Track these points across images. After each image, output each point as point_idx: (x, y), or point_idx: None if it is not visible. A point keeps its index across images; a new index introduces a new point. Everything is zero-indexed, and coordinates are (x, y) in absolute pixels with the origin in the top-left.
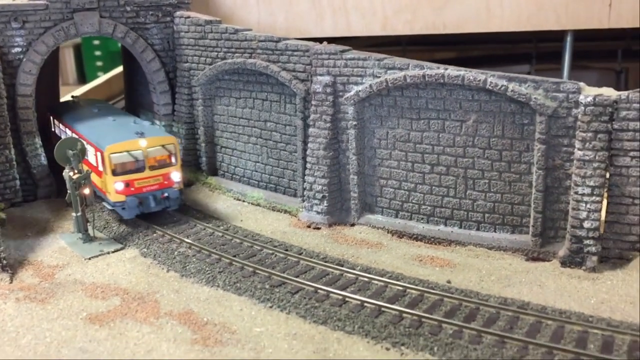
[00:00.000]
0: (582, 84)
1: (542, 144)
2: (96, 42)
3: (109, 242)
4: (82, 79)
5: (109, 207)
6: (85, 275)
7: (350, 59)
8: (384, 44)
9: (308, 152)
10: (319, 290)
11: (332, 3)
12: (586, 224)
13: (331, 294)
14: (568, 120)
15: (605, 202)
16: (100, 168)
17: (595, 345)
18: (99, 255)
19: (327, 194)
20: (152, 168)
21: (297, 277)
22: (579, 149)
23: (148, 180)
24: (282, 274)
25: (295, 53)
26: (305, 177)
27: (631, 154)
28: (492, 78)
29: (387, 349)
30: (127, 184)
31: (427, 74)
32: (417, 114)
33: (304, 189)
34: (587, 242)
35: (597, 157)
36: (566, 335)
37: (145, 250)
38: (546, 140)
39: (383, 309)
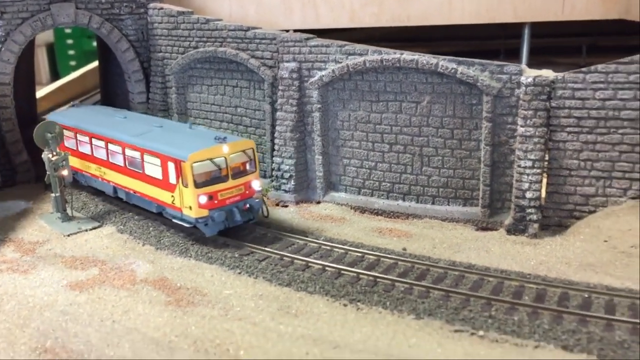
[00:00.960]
0: (523, 66)
1: (489, 122)
2: (69, 40)
3: (86, 221)
4: (56, 78)
5: (185, 225)
6: (65, 250)
7: (314, 46)
8: (358, 40)
9: (276, 134)
10: (284, 257)
11: None
12: (528, 195)
13: (295, 260)
14: (511, 100)
15: (545, 174)
16: (172, 181)
17: (529, 296)
18: (78, 232)
19: (294, 174)
20: (235, 177)
21: (264, 247)
22: (521, 126)
23: (231, 190)
24: (250, 244)
25: (263, 41)
26: (274, 159)
27: (567, 129)
28: (443, 62)
29: (345, 305)
30: (211, 197)
31: (385, 59)
32: (377, 97)
33: (273, 169)
34: (529, 211)
35: (537, 133)
36: (504, 289)
37: (122, 227)
38: (492, 118)
39: (342, 271)
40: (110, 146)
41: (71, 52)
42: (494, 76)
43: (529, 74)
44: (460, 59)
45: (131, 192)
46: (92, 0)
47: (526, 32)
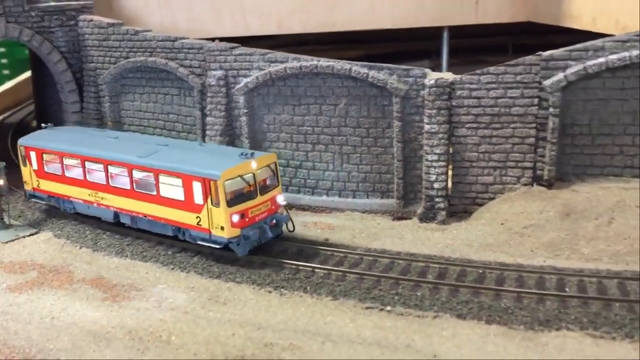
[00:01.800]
0: (427, 69)
1: (399, 121)
2: (1, 49)
3: (24, 228)
4: None
5: (215, 246)
6: (3, 256)
7: (238, 55)
8: (294, 44)
9: (207, 139)
10: (214, 252)
11: (229, 5)
12: (436, 185)
13: (224, 255)
14: (417, 100)
15: (450, 166)
16: (198, 201)
17: (432, 275)
18: (15, 239)
19: None
20: (262, 192)
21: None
22: (427, 124)
23: (260, 207)
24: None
25: (191, 51)
26: None
27: (467, 125)
28: (355, 67)
29: (270, 292)
30: (242, 215)
31: (304, 65)
32: (298, 101)
33: None
34: (437, 200)
35: (441, 130)
36: (412, 270)
37: (58, 232)
38: (402, 117)
39: (267, 262)
40: (112, 169)
41: (4, 60)
42: (401, 79)
43: (432, 77)
44: (371, 64)
45: (140, 216)
46: (22, 14)
47: (445, 35)
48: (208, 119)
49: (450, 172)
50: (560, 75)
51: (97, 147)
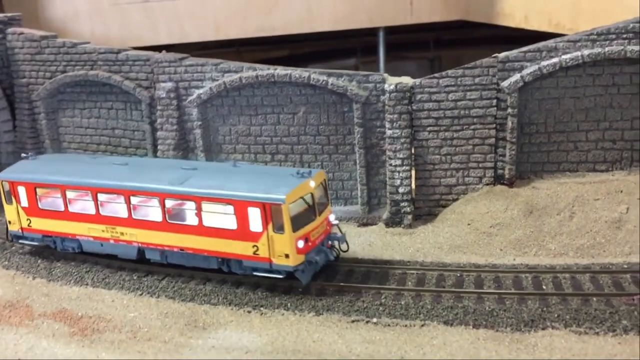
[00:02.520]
0: (386, 75)
1: (360, 127)
2: None
3: None
4: None
5: (276, 276)
6: None
7: (189, 66)
8: (218, 45)
9: (158, 153)
10: (182, 274)
11: (164, 12)
12: (401, 190)
13: (195, 275)
14: (378, 106)
15: (413, 170)
16: (255, 229)
17: (411, 282)
18: None
19: None
20: (319, 213)
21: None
22: (388, 129)
23: (318, 229)
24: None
25: (137, 62)
26: None
27: (428, 129)
28: (314, 74)
29: (249, 312)
30: (306, 239)
31: (260, 75)
32: (255, 110)
33: None
34: (402, 204)
35: (403, 134)
36: (390, 278)
37: (6, 263)
38: (363, 123)
39: (242, 280)
40: (135, 200)
41: None
42: (361, 85)
43: (391, 82)
44: (330, 71)
45: (174, 250)
46: None
47: (381, 35)
48: (159, 133)
49: (413, 176)
50: (517, 76)
51: (111, 176)
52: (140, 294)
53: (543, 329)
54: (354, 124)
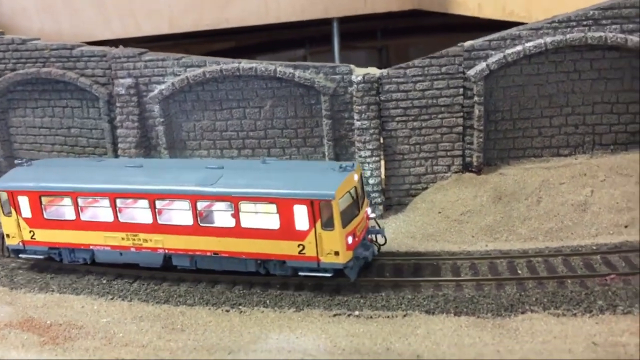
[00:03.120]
0: (352, 65)
1: (329, 119)
2: None
3: None
4: None
5: (324, 275)
6: None
7: (149, 61)
8: (161, 39)
9: (119, 152)
10: (155, 275)
11: (117, 6)
12: (371, 181)
13: (167, 276)
14: (346, 97)
15: (383, 161)
16: (301, 227)
17: (389, 272)
18: None
19: None
20: (361, 207)
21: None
22: (357, 120)
23: (362, 223)
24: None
25: (93, 58)
26: None
27: (397, 119)
28: (280, 67)
29: (227, 311)
30: (354, 235)
31: (224, 69)
32: (220, 105)
33: None
34: (374, 195)
35: (372, 125)
36: (367, 269)
37: None
38: (331, 115)
39: (218, 279)
40: (160, 203)
41: None
42: (329, 77)
43: (359, 73)
44: (296, 63)
45: (207, 254)
46: None
47: (335, 25)
48: (119, 130)
49: (383, 166)
50: (482, 65)
51: (130, 179)
52: (112, 298)
53: (522, 312)
54: (322, 116)
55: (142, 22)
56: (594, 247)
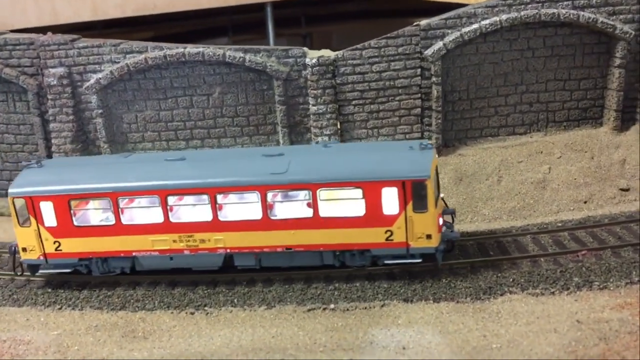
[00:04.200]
0: (305, 48)
1: (283, 105)
2: None
3: None
4: None
5: (412, 261)
6: None
7: (83, 48)
8: (75, 29)
9: (53, 148)
10: (105, 280)
11: None
12: None
13: (121, 281)
14: (300, 81)
15: None
16: (390, 211)
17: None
18: None
19: None
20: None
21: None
22: (313, 105)
23: (441, 204)
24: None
25: (18, 47)
26: None
27: (354, 102)
28: (229, 51)
29: (192, 313)
30: (440, 216)
31: (168, 54)
32: (164, 94)
33: None
34: None
35: (328, 110)
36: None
37: None
38: (285, 101)
39: (176, 280)
40: (222, 198)
41: None
42: (281, 61)
43: (313, 56)
44: (247, 47)
45: (277, 250)
46: None
47: (269, 10)
48: (52, 125)
49: None
50: (439, 44)
51: (182, 174)
52: (59, 308)
53: (502, 294)
54: (275, 102)
55: (61, 8)
56: (559, 224)
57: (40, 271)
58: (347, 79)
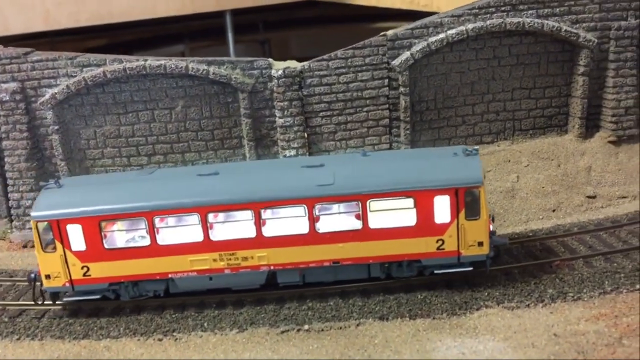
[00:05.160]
0: (271, 60)
1: (248, 118)
2: None
3: None
4: None
5: (462, 269)
6: None
7: (37, 61)
8: (25, 37)
9: (6, 167)
10: (66, 307)
11: None
12: None
13: (83, 306)
14: (266, 94)
15: None
16: (441, 219)
17: None
18: None
19: None
20: None
21: (37, 301)
22: (279, 117)
23: None
24: (19, 302)
25: None
26: (10, 195)
27: (321, 114)
28: (192, 64)
29: (160, 340)
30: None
31: (128, 67)
32: (124, 108)
33: (11, 207)
34: None
35: (295, 122)
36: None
37: None
38: (251, 114)
39: (141, 305)
40: (266, 213)
41: None
42: (246, 72)
43: (278, 67)
44: (210, 59)
45: (323, 265)
46: None
47: (228, 17)
48: (5, 142)
49: None
50: (407, 54)
51: (223, 189)
52: (17, 339)
53: (477, 309)
54: (240, 115)
55: (11, 18)
56: (530, 234)
57: (65, 299)
58: (314, 91)
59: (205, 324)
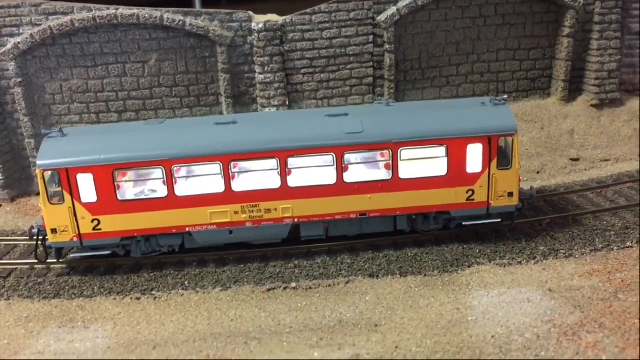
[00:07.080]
0: (251, 12)
1: (226, 74)
2: None
3: None
4: None
5: (493, 221)
6: None
7: None
8: None
9: None
10: (34, 266)
11: None
12: None
13: (52, 265)
14: (245, 48)
15: None
16: (473, 169)
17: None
18: None
19: (0, 166)
20: None
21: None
22: (259, 74)
23: None
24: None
25: None
26: None
27: (303, 71)
28: (168, 14)
29: (138, 299)
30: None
31: (98, 16)
32: (93, 61)
33: None
34: None
35: (276, 79)
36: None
37: None
38: (229, 69)
39: (117, 263)
40: (293, 162)
41: None
42: (225, 25)
43: (259, 20)
44: (186, 9)
45: (350, 217)
46: None
47: None
48: None
49: None
50: (393, 9)
51: (247, 137)
52: None
53: (469, 266)
54: (218, 71)
55: None
56: None
57: (71, 256)
58: (296, 46)
59: (186, 283)
